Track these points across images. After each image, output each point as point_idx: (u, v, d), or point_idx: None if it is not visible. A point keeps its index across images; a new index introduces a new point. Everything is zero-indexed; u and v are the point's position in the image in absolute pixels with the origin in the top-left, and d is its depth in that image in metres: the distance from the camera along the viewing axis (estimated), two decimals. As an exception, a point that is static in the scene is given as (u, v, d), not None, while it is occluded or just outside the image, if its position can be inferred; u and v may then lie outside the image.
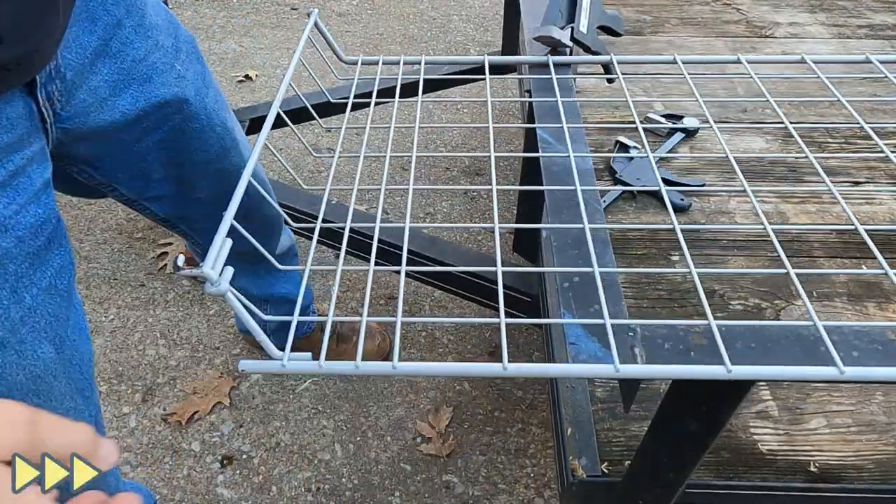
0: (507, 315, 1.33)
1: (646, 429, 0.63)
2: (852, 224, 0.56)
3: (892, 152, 0.62)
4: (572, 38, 0.80)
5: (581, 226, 0.55)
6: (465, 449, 1.42)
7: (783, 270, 0.52)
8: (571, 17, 0.77)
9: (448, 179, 2.09)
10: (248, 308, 0.46)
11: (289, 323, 0.48)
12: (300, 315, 0.51)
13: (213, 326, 1.65)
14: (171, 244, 1.84)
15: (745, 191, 0.59)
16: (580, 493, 0.78)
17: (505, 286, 1.28)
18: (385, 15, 3.08)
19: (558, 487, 0.88)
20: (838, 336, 0.48)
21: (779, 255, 0.53)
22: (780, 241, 0.55)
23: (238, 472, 1.37)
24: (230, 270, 0.44)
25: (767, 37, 1.34)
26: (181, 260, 0.42)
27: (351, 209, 0.62)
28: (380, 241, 1.37)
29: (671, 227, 0.55)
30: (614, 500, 0.76)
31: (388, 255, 1.37)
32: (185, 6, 3.09)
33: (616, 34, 0.86)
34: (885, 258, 0.52)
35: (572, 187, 0.63)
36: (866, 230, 0.56)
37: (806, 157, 0.64)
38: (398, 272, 0.54)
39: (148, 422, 1.44)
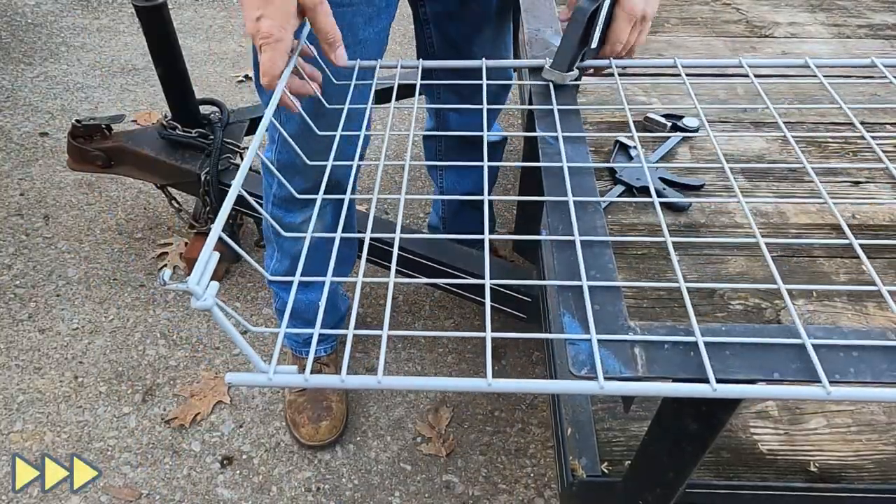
0: (508, 315, 1.34)
1: (646, 429, 0.63)
2: (852, 226, 0.57)
3: (891, 153, 0.62)
4: (582, 59, 0.81)
5: (573, 237, 0.55)
6: (465, 449, 1.42)
7: (775, 286, 0.53)
8: (586, 38, 0.78)
9: (448, 179, 2.09)
10: (235, 322, 0.46)
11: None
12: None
13: (214, 326, 1.65)
14: (170, 244, 1.85)
15: (739, 201, 0.59)
16: (580, 493, 0.78)
17: (506, 287, 1.29)
18: (385, 15, 3.07)
19: (558, 487, 0.88)
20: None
21: (780, 254, 0.53)
22: (780, 241, 0.55)
23: (238, 472, 1.37)
24: (215, 285, 0.44)
25: (767, 36, 1.34)
26: (167, 274, 0.42)
27: (343, 215, 0.62)
28: (377, 241, 1.37)
29: (662, 240, 0.56)
30: (614, 500, 0.76)
31: (386, 256, 1.37)
32: (185, 6, 3.09)
33: None
34: (884, 258, 0.53)
35: (566, 198, 0.63)
36: (862, 232, 0.56)
37: (803, 165, 0.64)
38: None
39: (148, 422, 1.45)
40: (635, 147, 1.02)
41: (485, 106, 0.76)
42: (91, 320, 1.65)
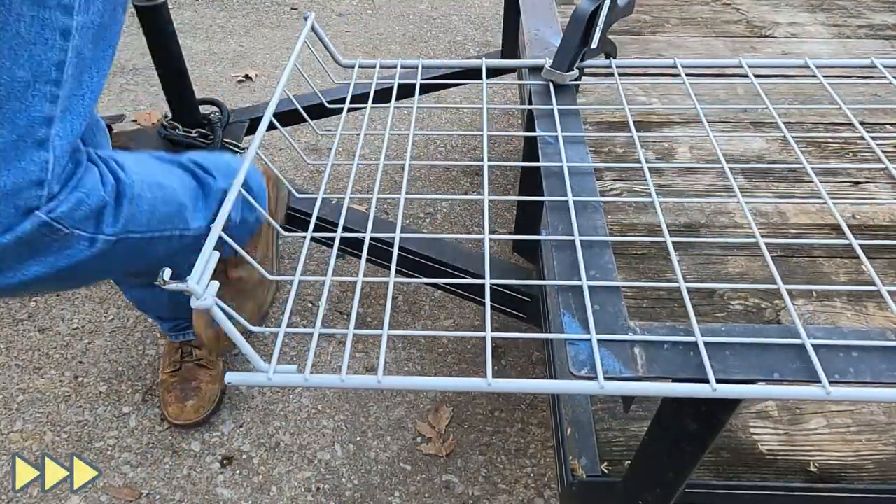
0: (506, 315, 1.34)
1: (646, 429, 0.63)
2: (852, 226, 0.57)
3: (891, 153, 0.62)
4: (582, 59, 0.81)
5: (573, 237, 0.55)
6: (465, 449, 1.42)
7: (774, 286, 0.53)
8: (586, 39, 0.78)
9: (448, 179, 2.09)
10: (235, 321, 0.46)
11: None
12: None
13: (213, 326, 1.65)
14: (171, 244, 1.85)
15: (738, 201, 0.59)
16: (580, 493, 0.78)
17: (505, 287, 1.29)
18: (385, 15, 3.08)
19: (558, 487, 0.88)
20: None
21: (780, 254, 0.53)
22: (780, 240, 0.55)
23: (238, 472, 1.37)
24: (215, 284, 0.45)
25: (767, 37, 1.34)
26: (167, 273, 0.42)
27: (343, 212, 0.62)
28: (377, 241, 1.38)
29: (662, 240, 0.56)
30: (614, 500, 0.76)
31: (386, 256, 1.37)
32: (185, 6, 3.09)
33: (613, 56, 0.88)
34: (884, 258, 0.53)
35: (566, 198, 0.63)
36: (862, 232, 0.56)
37: (802, 165, 0.64)
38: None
39: (148, 422, 1.45)
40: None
41: (485, 106, 0.76)
42: (91, 320, 1.65)
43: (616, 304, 0.54)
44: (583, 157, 0.70)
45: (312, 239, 0.61)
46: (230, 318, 0.46)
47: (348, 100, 0.76)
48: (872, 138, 0.69)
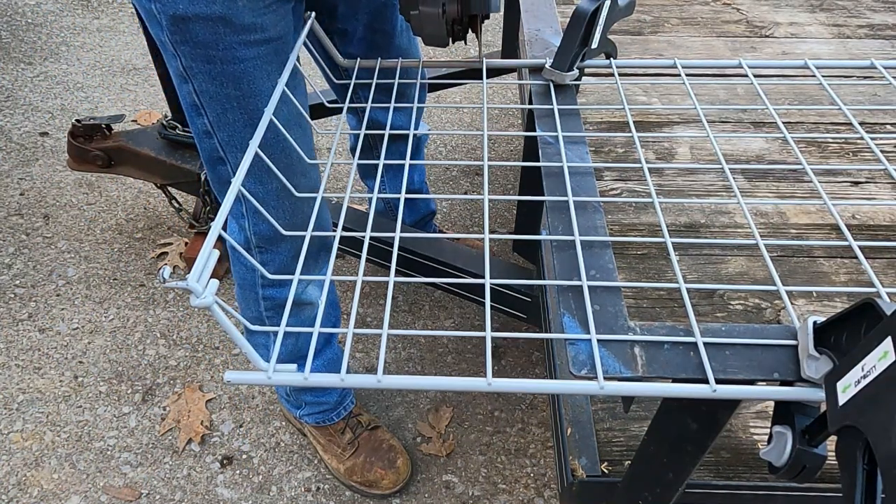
0: (506, 315, 1.34)
1: (646, 429, 0.63)
2: (852, 226, 0.57)
3: (891, 153, 0.62)
4: (582, 59, 0.82)
5: (573, 237, 0.55)
6: (465, 449, 1.42)
7: (774, 287, 0.53)
8: (586, 39, 0.78)
9: (448, 179, 2.09)
10: (235, 320, 0.46)
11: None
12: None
13: (213, 326, 1.65)
14: (170, 244, 1.85)
15: (738, 202, 0.59)
16: (580, 493, 0.78)
17: (505, 287, 1.29)
18: (385, 15, 3.07)
19: (558, 487, 0.88)
20: None
21: (780, 253, 0.53)
22: (779, 242, 0.55)
23: (238, 472, 1.37)
24: (215, 283, 0.45)
25: (767, 37, 1.34)
26: (167, 272, 0.42)
27: (343, 212, 0.62)
28: (377, 241, 1.37)
29: (662, 240, 0.56)
30: (614, 500, 0.76)
31: (386, 255, 1.37)
32: (185, 6, 3.09)
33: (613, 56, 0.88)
34: (884, 258, 0.53)
35: (566, 198, 0.63)
36: (862, 232, 0.56)
37: (802, 166, 0.64)
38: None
39: (148, 422, 1.45)
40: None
41: (485, 106, 0.76)
42: (91, 320, 1.65)
43: (616, 304, 0.54)
44: (583, 157, 0.70)
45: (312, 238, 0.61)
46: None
47: (348, 100, 0.76)
48: (872, 139, 0.69)
